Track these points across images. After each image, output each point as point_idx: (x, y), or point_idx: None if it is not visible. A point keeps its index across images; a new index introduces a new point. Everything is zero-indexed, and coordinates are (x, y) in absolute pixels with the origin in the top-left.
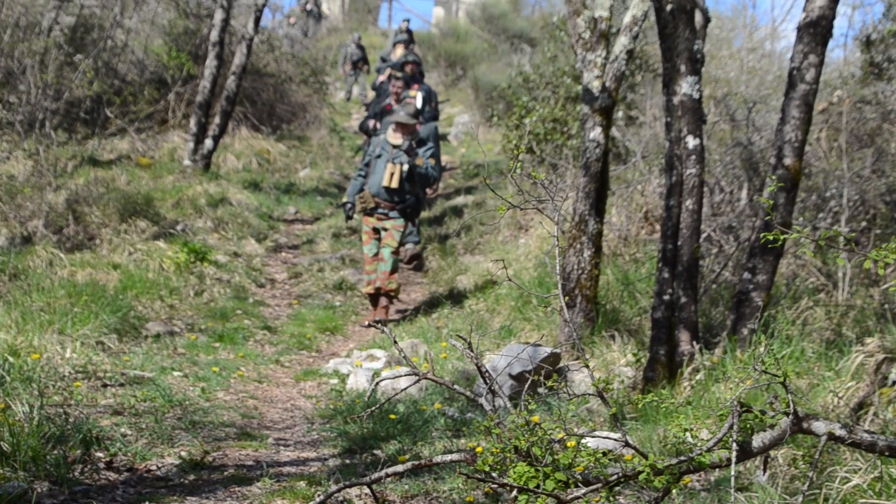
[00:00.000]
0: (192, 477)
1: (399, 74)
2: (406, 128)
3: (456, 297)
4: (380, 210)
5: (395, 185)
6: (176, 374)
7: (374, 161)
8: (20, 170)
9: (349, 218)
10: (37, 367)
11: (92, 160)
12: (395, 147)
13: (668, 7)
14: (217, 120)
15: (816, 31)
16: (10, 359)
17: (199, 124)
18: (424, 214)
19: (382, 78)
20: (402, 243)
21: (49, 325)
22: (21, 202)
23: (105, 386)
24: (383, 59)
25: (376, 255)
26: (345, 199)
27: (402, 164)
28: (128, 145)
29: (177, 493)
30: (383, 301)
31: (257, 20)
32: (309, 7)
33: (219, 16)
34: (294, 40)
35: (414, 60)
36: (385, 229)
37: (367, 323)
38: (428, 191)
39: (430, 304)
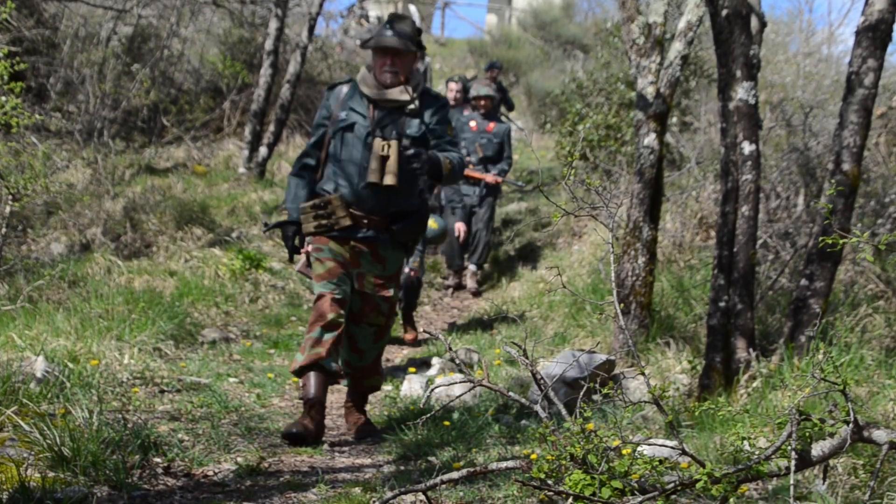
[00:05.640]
0: (248, 482)
1: (456, 77)
2: (403, 59)
3: (509, 304)
4: (359, 233)
5: (390, 180)
6: (231, 380)
7: (339, 137)
8: (79, 178)
9: (294, 252)
10: (96, 372)
11: (149, 168)
12: (380, 105)
13: (724, 12)
14: (272, 128)
15: (875, 35)
16: (70, 365)
17: (253, 132)
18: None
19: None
20: (394, 305)
21: (107, 332)
22: (80, 210)
23: (162, 392)
24: None
25: (340, 300)
26: (282, 217)
27: (400, 138)
28: (184, 153)
29: (233, 498)
30: (352, 399)
31: (311, 29)
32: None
33: (273, 25)
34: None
35: (487, 95)
36: (371, 288)
37: (422, 330)
38: (490, 178)
39: (483, 311)
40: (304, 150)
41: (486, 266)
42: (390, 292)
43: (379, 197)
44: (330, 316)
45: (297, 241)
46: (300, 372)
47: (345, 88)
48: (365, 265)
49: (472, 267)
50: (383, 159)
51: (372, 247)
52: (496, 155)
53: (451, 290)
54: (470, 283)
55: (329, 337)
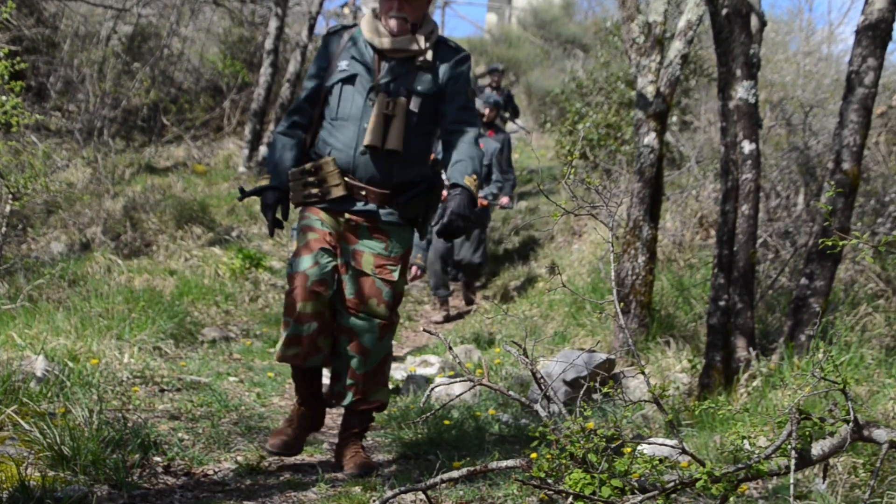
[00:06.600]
0: (248, 482)
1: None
2: (413, 3)
3: (509, 303)
4: (356, 206)
5: (395, 144)
6: (231, 379)
7: (337, 91)
8: (79, 177)
9: (275, 226)
10: (96, 372)
11: (149, 167)
12: (387, 56)
13: (724, 11)
14: (272, 127)
15: (875, 34)
16: (70, 364)
17: (253, 131)
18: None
19: None
20: (399, 298)
21: (107, 331)
22: (80, 209)
23: (162, 391)
24: None
25: (317, 282)
26: (262, 181)
27: (408, 96)
28: (184, 152)
29: (233, 497)
30: (353, 423)
31: (311, 28)
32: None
33: (273, 24)
34: None
35: (495, 102)
36: (371, 269)
37: (422, 329)
38: (504, 200)
39: (483, 310)
40: (294, 105)
41: (479, 282)
42: (395, 276)
43: (380, 164)
44: (300, 305)
45: (279, 213)
46: (297, 379)
47: (347, 35)
48: (363, 241)
49: (461, 279)
50: (387, 119)
51: (371, 221)
52: (484, 178)
53: (440, 322)
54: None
55: (306, 331)
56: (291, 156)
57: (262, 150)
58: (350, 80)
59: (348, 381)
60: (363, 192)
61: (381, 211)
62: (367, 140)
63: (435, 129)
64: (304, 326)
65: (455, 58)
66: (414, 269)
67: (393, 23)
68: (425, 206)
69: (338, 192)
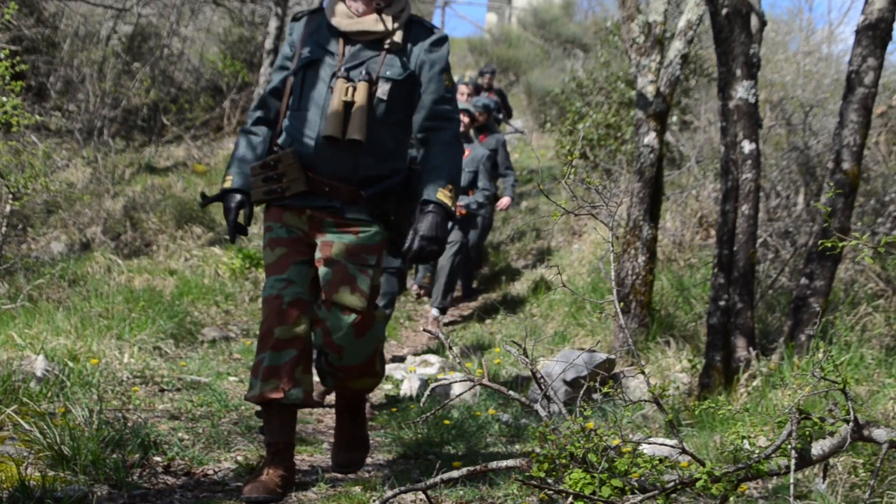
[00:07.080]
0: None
1: (466, 78)
2: None
3: (509, 303)
4: (319, 202)
5: (356, 133)
6: (231, 379)
7: (300, 78)
8: (79, 177)
9: (237, 232)
10: (96, 371)
11: (149, 167)
12: (352, 39)
13: (724, 11)
14: None
15: (875, 34)
16: (70, 364)
17: None
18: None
19: None
20: (376, 292)
21: (107, 331)
22: (80, 209)
23: (162, 391)
24: None
25: (293, 303)
26: (227, 184)
27: (372, 80)
28: (184, 152)
29: (233, 497)
30: (339, 398)
31: None
32: None
33: (273, 24)
34: None
35: (484, 105)
36: (342, 255)
37: (422, 328)
38: (505, 201)
39: (484, 310)
40: (258, 100)
41: (450, 309)
42: (371, 262)
43: (343, 156)
44: (278, 332)
45: (241, 217)
46: (259, 410)
47: (313, 20)
48: (330, 233)
49: (433, 312)
50: (347, 106)
51: (336, 217)
52: (470, 185)
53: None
54: (432, 326)
55: (286, 360)
56: (254, 155)
57: None
58: (312, 66)
59: (326, 368)
60: (326, 189)
61: (348, 210)
62: (325, 130)
63: (409, 118)
64: (281, 354)
65: (430, 39)
66: (415, 287)
67: (358, 4)
68: (396, 203)
69: (298, 186)
